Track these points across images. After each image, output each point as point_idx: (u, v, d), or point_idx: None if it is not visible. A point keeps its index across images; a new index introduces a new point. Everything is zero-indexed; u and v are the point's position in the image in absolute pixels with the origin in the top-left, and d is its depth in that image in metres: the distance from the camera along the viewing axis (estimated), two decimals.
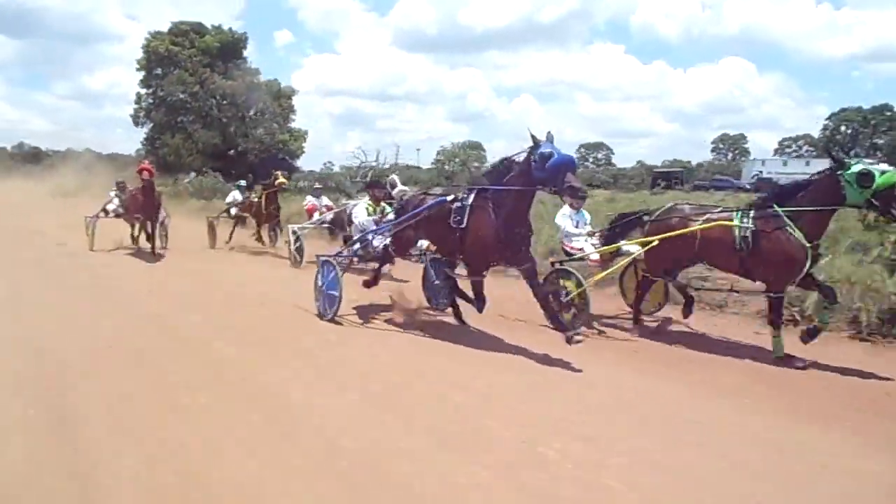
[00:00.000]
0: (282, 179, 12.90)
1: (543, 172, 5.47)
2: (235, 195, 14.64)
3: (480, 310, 6.50)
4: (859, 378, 5.24)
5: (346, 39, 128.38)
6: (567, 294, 6.80)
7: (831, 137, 62.12)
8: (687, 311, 6.91)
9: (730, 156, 72.27)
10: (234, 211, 14.22)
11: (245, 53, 41.15)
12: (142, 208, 12.02)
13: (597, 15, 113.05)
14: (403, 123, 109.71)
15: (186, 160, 37.48)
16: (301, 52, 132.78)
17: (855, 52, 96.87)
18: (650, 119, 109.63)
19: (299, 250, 11.43)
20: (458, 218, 6.08)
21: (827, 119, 63.49)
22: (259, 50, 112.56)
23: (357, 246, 7.48)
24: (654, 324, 7.20)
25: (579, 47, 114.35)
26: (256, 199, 13.44)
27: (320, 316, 7.11)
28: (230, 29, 40.60)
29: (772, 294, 5.79)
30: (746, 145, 72.94)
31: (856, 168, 5.28)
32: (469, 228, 6.02)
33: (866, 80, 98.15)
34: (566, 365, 5.43)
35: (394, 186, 8.89)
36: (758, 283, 6.03)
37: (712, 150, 74.22)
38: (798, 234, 5.50)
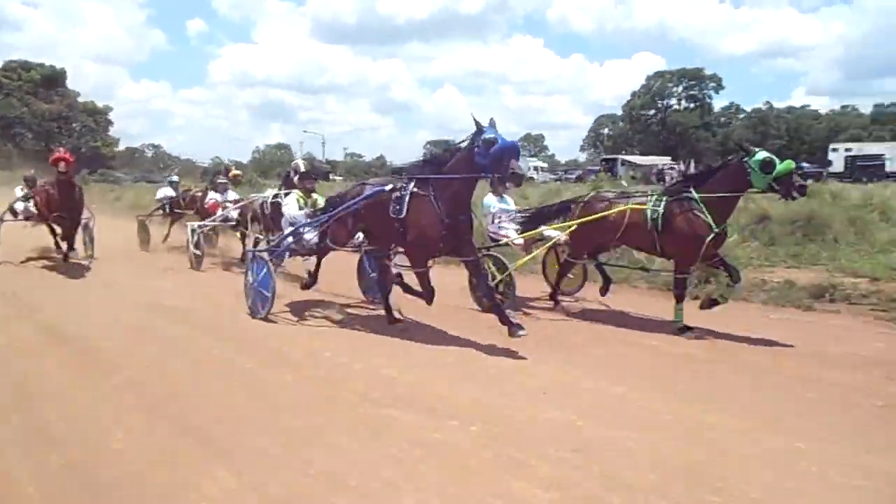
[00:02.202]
0: (235, 172, 12.03)
1: (486, 159, 5.35)
2: (167, 191, 13.33)
3: (429, 302, 6.19)
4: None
5: (262, 29, 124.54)
6: (493, 279, 6.97)
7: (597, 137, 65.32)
8: (604, 290, 7.30)
9: None
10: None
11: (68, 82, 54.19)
12: (59, 208, 9.79)
13: (515, 8, 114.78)
14: (327, 115, 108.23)
15: (16, 163, 45.13)
16: (216, 42, 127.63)
17: (753, 49, 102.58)
18: (571, 112, 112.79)
19: (199, 249, 10.58)
20: (398, 207, 5.86)
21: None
22: (170, 40, 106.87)
23: (290, 240, 7.05)
24: (575, 303, 7.53)
25: (499, 40, 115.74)
26: (200, 194, 12.22)
27: (252, 315, 6.75)
28: (51, 66, 53.32)
29: (678, 273, 6.21)
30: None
31: (759, 156, 5.76)
32: (409, 218, 5.81)
33: (766, 75, 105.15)
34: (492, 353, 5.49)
35: (298, 172, 8.45)
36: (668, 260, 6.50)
37: None
38: (706, 216, 5.91)
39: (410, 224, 5.83)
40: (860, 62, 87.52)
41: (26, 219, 11.22)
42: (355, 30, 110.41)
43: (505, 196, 7.90)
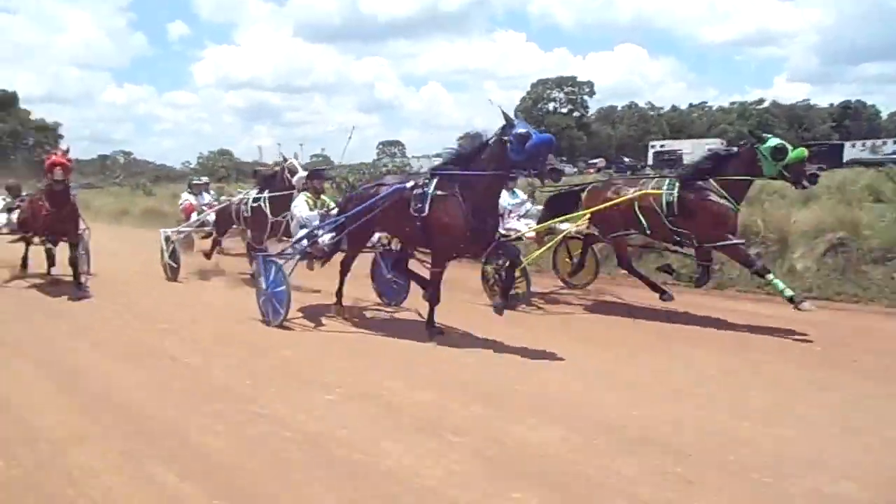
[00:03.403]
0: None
1: (521, 155, 5.09)
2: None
3: (432, 301, 5.89)
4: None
5: (245, 31, 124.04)
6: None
7: None
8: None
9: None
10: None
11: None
12: (54, 223, 8.13)
13: (496, 3, 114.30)
14: (312, 115, 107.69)
15: None
16: (198, 45, 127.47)
17: (734, 38, 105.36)
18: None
19: (174, 259, 9.58)
20: (420, 206, 5.63)
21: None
22: (152, 44, 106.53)
23: (305, 242, 6.74)
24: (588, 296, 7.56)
25: (482, 35, 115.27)
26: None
27: (266, 323, 6.46)
28: (3, 89, 58.70)
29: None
30: None
31: (771, 143, 5.77)
32: (432, 217, 5.58)
33: (748, 63, 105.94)
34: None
35: (294, 173, 8.05)
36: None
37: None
38: (727, 199, 5.96)
39: (433, 223, 5.61)
40: (837, 48, 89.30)
41: (11, 233, 9.58)
42: (338, 29, 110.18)
43: (515, 190, 7.92)
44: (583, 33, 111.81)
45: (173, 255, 9.57)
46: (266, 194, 8.40)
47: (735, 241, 6.01)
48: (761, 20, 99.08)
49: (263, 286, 6.53)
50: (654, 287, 6.77)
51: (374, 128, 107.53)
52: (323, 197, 7.39)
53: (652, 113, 66.88)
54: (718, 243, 6.05)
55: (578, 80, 62.07)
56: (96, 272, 9.29)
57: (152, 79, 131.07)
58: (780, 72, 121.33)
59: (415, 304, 6.87)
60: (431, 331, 5.86)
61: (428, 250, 6.21)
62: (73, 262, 8.19)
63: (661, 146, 52.05)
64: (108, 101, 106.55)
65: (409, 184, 5.92)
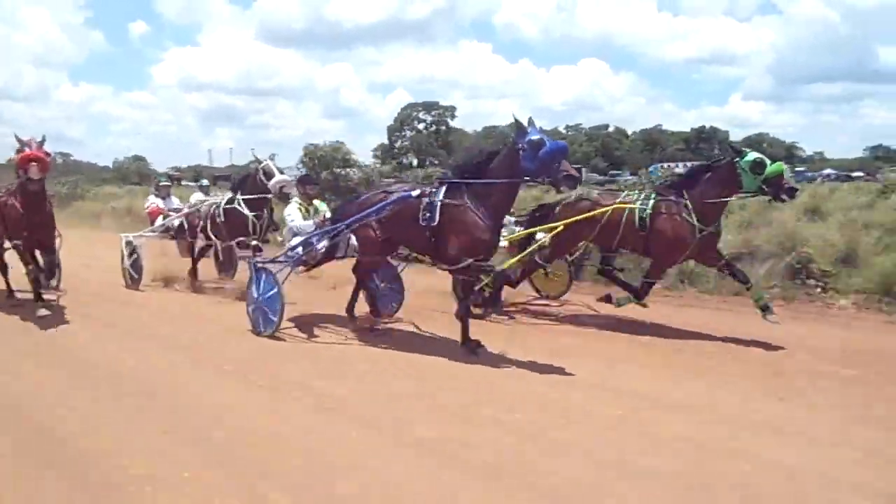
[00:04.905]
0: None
1: (535, 162, 5.01)
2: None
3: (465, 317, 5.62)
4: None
5: (208, 32, 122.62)
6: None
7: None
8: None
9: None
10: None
11: None
12: (25, 228, 6.96)
13: (461, 13, 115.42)
14: (277, 119, 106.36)
15: None
16: (159, 45, 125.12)
17: (692, 56, 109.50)
18: (520, 117, 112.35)
19: (135, 267, 8.95)
20: (429, 215, 5.46)
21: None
22: (111, 42, 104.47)
23: (299, 250, 6.43)
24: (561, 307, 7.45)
25: (447, 45, 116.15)
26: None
27: (256, 332, 6.16)
28: None
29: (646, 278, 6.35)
30: None
31: (750, 157, 5.76)
32: (445, 226, 5.40)
33: (706, 81, 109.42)
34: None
35: (270, 176, 7.80)
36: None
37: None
38: (691, 217, 5.89)
39: (446, 233, 5.42)
40: (792, 69, 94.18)
41: None
42: (302, 34, 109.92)
43: None
44: (547, 46, 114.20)
45: (134, 263, 8.97)
46: (240, 196, 8.15)
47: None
48: (718, 40, 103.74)
49: (255, 295, 6.22)
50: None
51: (340, 134, 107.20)
52: (315, 203, 7.12)
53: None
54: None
55: (442, 104, 71.02)
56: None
57: (110, 78, 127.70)
58: (735, 90, 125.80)
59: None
60: (468, 347, 5.49)
61: (435, 259, 5.94)
62: (32, 273, 7.02)
63: None
64: (63, 99, 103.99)
65: (416, 192, 5.72)
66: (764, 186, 5.73)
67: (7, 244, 7.72)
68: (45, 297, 7.17)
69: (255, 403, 4.36)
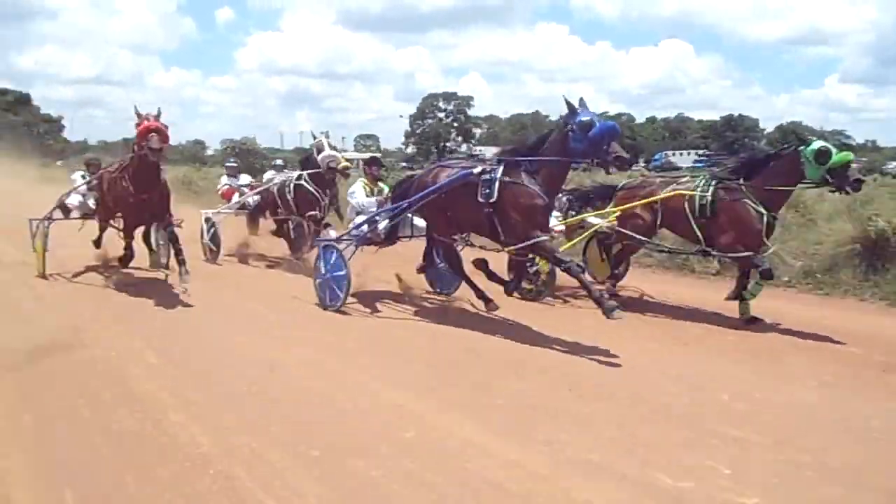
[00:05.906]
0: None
1: (584, 143, 5.03)
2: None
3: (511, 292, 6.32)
4: None
5: (289, 17, 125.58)
6: (534, 265, 6.97)
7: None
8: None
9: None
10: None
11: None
12: (135, 204, 6.86)
13: None
14: (351, 102, 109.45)
15: None
16: (244, 31, 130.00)
17: (784, 36, 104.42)
18: (596, 100, 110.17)
19: (214, 241, 9.60)
20: (487, 191, 5.50)
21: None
22: (200, 28, 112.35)
23: (364, 228, 6.68)
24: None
25: (524, 28, 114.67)
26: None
27: (323, 307, 6.49)
28: (19, 90, 63.95)
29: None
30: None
31: (815, 146, 5.56)
32: (503, 203, 5.46)
33: (797, 62, 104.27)
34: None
35: (321, 151, 8.35)
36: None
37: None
38: (757, 205, 5.78)
39: (505, 208, 5.47)
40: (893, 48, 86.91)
41: (83, 216, 8.58)
42: (379, 17, 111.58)
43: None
44: (627, 28, 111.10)
45: (214, 238, 9.66)
46: (305, 173, 8.76)
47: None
48: (813, 18, 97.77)
49: (322, 270, 6.57)
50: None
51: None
52: (380, 184, 7.44)
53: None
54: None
55: (459, 94, 75.36)
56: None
57: (199, 63, 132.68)
58: (832, 72, 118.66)
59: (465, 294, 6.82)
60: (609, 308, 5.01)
61: (492, 238, 5.94)
62: (174, 240, 6.96)
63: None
64: (156, 84, 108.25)
65: (477, 169, 5.74)
66: (828, 177, 5.56)
67: (114, 222, 8.02)
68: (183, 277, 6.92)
69: None
